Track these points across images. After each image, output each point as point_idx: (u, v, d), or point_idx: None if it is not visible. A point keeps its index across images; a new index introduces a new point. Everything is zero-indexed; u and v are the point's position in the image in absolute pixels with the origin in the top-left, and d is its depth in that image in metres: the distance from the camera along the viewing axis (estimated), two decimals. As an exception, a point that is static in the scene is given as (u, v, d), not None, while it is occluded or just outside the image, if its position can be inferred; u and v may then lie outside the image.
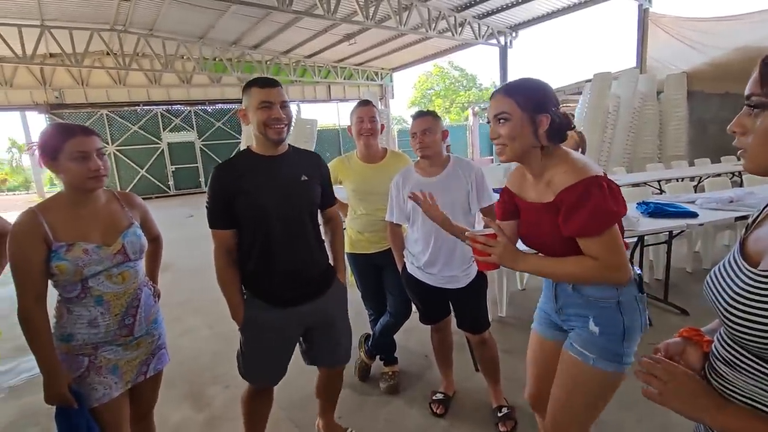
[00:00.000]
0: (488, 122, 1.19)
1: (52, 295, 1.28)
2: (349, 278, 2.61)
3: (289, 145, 1.57)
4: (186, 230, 7.66)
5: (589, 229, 1.04)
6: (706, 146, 8.18)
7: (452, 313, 2.03)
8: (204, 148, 14.50)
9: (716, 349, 0.74)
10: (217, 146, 14.48)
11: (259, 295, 1.55)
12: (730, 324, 0.66)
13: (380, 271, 2.26)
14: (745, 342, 0.65)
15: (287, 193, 1.50)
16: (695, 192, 4.30)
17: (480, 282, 1.88)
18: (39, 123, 12.90)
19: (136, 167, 13.58)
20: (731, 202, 3.01)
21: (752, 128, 0.65)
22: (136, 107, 13.58)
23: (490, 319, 1.98)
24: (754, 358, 0.66)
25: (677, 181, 5.21)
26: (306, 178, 1.54)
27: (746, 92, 0.65)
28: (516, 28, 12.12)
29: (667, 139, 8.51)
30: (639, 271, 1.19)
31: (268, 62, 13.84)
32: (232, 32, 11.67)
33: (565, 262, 1.11)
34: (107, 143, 13.11)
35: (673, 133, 8.42)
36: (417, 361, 2.59)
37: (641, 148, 8.38)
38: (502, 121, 1.13)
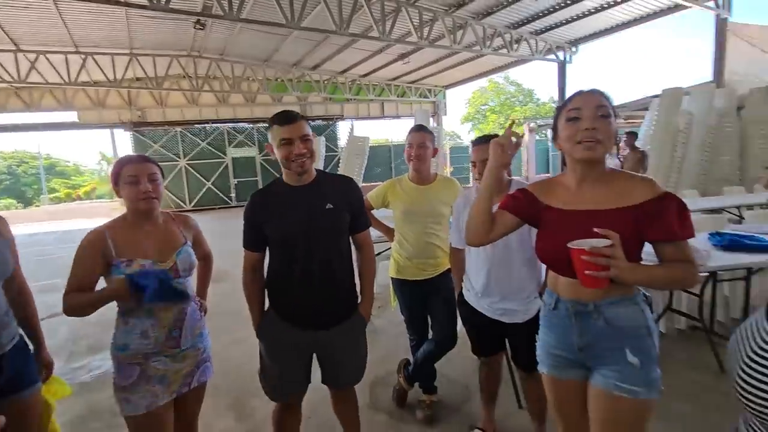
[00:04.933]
0: (571, 119, 1.14)
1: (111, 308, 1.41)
2: (392, 302, 2.60)
3: (318, 172, 1.64)
4: (243, 241, 8.08)
5: (690, 232, 1.10)
6: (799, 168, 7.27)
7: (506, 347, 1.94)
8: (263, 163, 15.37)
9: None
10: (276, 161, 15.20)
11: (279, 313, 1.63)
12: (742, 393, 0.62)
13: (426, 298, 2.24)
14: (758, 414, 0.60)
15: (311, 221, 1.54)
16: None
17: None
18: (124, 139, 14.43)
19: (203, 180, 14.69)
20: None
21: None
22: (206, 125, 14.79)
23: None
24: None
25: (761, 207, 4.65)
26: (331, 206, 1.57)
27: None
28: (576, 42, 11.70)
29: (750, 160, 7.66)
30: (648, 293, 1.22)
31: (325, 81, 14.47)
32: (294, 55, 12.38)
33: (673, 267, 1.10)
34: (179, 158, 14.35)
35: (758, 152, 7.57)
36: (457, 391, 2.50)
37: (718, 169, 7.63)
38: (604, 117, 1.12)
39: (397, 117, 17.55)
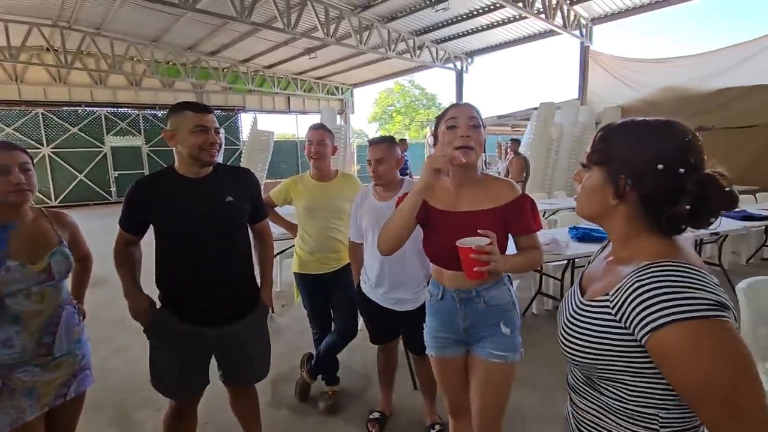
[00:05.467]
0: (450, 127, 1.28)
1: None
2: (296, 298, 2.60)
3: (215, 163, 1.58)
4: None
5: (540, 225, 1.35)
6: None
7: (400, 334, 2.07)
8: (151, 154, 13.83)
9: (567, 380, 0.86)
10: (166, 153, 13.80)
11: (174, 310, 1.53)
12: (563, 348, 0.79)
13: (328, 291, 2.28)
14: (573, 362, 0.77)
15: (209, 215, 1.50)
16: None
17: None
18: (-38, 118, 11.75)
19: (74, 171, 12.66)
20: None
21: (582, 181, 0.80)
22: (77, 108, 12.75)
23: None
24: (586, 380, 0.78)
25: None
26: (231, 199, 1.54)
27: (586, 150, 0.79)
28: (471, 54, 12.75)
29: (603, 167, 9.18)
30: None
31: (225, 70, 13.57)
32: (188, 37, 11.38)
33: (528, 254, 1.32)
34: (41, 145, 12.19)
35: (609, 161, 9.10)
36: (358, 380, 2.60)
37: (581, 174, 9.01)
38: (475, 126, 1.27)
39: (304, 112, 17.22)
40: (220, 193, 1.53)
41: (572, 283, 3.42)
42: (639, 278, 0.65)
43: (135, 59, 12.17)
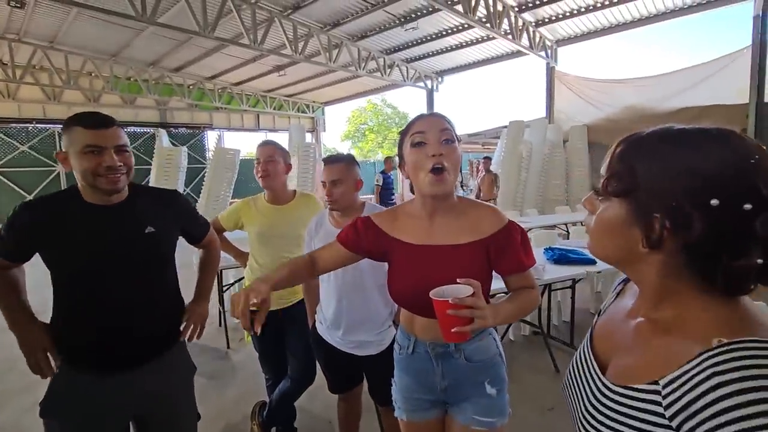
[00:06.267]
0: (416, 144, 1.04)
1: None
2: (247, 337, 2.30)
3: (131, 188, 1.30)
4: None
5: (533, 260, 1.12)
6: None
7: (363, 379, 1.80)
8: (111, 174, 13.08)
9: None
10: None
11: (76, 358, 1.22)
12: None
13: (282, 330, 1.99)
14: None
15: (125, 251, 1.22)
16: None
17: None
18: None
19: (23, 192, 11.78)
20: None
21: (596, 211, 0.59)
22: (28, 125, 11.96)
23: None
24: None
25: (581, 224, 5.60)
26: (153, 230, 1.27)
27: (601, 171, 0.58)
28: (441, 73, 12.89)
29: (573, 184, 9.36)
30: None
31: (190, 87, 13.13)
32: (150, 53, 10.94)
33: (522, 298, 1.08)
34: (-14, 163, 11.30)
35: (578, 178, 9.28)
36: (319, 427, 2.29)
37: (551, 192, 9.11)
38: (448, 141, 1.03)
39: (274, 130, 16.85)
40: (138, 224, 1.25)
41: (549, 308, 3.29)
42: (718, 369, 0.42)
43: (93, 74, 11.60)
